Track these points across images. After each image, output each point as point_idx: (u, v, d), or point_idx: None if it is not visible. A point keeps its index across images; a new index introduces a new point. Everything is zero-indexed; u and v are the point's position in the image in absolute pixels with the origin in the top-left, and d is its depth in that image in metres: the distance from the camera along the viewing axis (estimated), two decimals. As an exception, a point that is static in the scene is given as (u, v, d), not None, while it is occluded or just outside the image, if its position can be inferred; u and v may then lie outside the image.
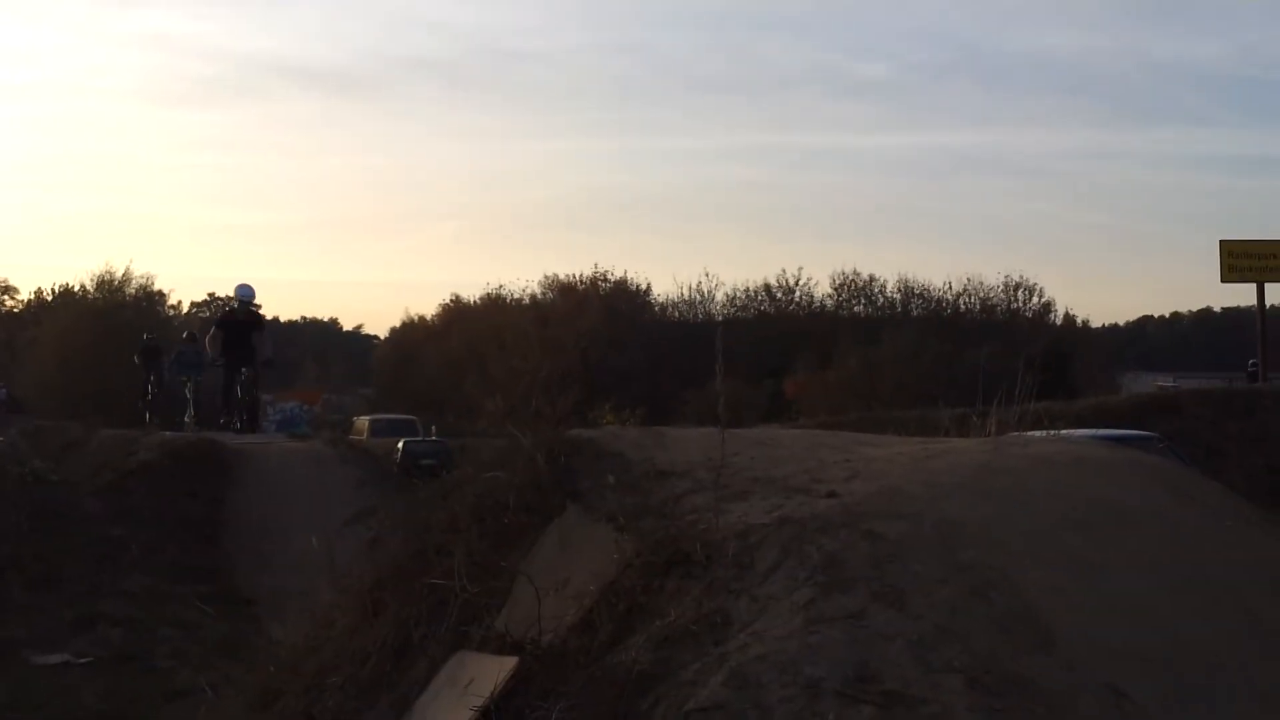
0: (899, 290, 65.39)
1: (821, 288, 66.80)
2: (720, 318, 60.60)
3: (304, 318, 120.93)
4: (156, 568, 15.57)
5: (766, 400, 44.15)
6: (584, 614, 4.98)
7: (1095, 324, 76.24)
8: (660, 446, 6.44)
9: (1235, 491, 6.02)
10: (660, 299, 66.75)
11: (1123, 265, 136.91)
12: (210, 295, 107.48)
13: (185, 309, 72.81)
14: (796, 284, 65.22)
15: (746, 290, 66.21)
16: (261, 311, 24.14)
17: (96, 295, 56.62)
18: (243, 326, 23.13)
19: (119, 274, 57.01)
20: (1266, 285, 29.21)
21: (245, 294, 23.91)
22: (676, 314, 66.31)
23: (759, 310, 64.95)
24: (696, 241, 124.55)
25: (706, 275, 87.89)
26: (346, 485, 18.43)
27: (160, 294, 60.74)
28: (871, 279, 65.63)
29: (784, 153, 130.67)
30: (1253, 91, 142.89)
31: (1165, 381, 60.59)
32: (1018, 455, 5.67)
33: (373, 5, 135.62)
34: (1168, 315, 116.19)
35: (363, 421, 36.70)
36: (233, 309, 24.46)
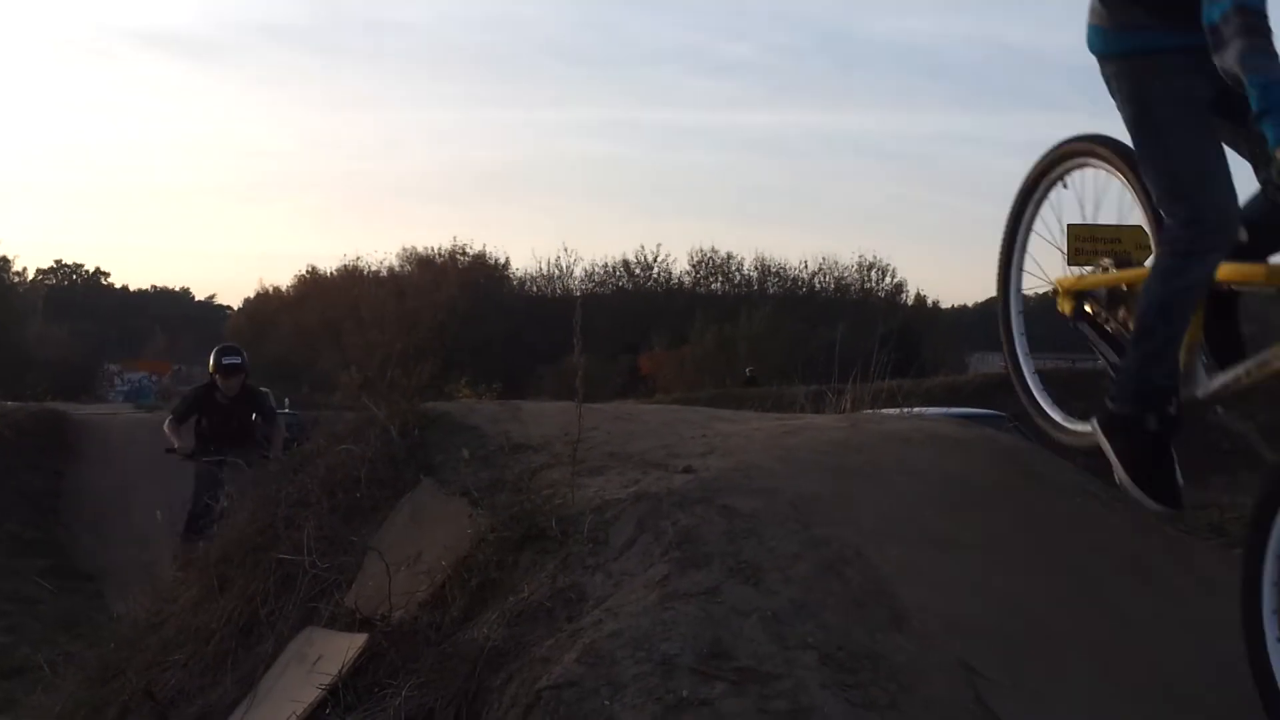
0: (756, 268, 66.43)
1: (680, 265, 67.51)
2: (578, 293, 60.80)
3: (154, 287, 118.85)
4: (-6, 542, 15.12)
5: (623, 376, 44.40)
6: (436, 590, 4.90)
7: (945, 305, 78.13)
8: (516, 420, 6.37)
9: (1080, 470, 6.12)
10: (519, 273, 66.92)
11: (973, 248, 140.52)
12: (57, 262, 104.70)
13: (31, 275, 70.74)
14: (655, 260, 65.80)
15: (605, 266, 66.68)
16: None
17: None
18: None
19: (-39, 239, 55.32)
20: (1111, 270, 30.07)
21: None
22: (535, 288, 66.51)
23: (617, 286, 65.33)
24: (556, 216, 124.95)
25: (565, 250, 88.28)
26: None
27: (4, 259, 59.03)
28: (729, 257, 66.55)
29: (646, 129, 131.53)
30: (1102, 82, 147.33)
31: (1012, 362, 62.16)
32: (873, 432, 5.69)
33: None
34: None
35: (213, 393, 35.93)
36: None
